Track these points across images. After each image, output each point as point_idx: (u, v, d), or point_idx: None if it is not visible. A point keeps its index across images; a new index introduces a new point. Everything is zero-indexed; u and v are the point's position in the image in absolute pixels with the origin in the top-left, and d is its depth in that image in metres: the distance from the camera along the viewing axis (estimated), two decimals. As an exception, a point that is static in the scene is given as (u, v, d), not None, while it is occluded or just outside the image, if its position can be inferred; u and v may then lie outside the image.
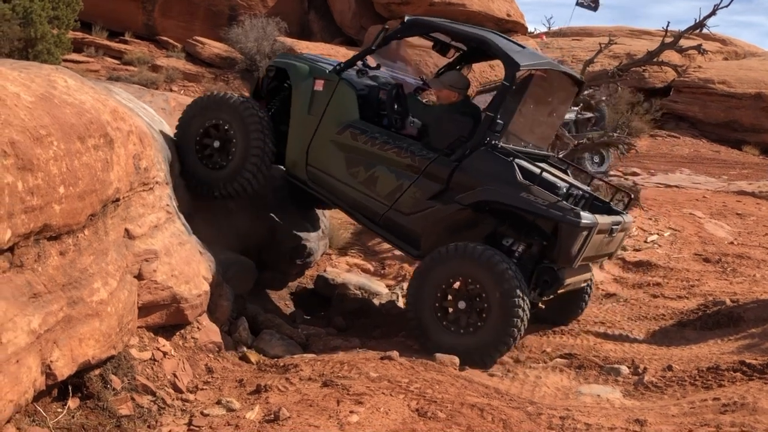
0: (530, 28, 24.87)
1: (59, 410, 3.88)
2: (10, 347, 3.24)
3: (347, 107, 6.69)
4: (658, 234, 11.18)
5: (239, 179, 6.73)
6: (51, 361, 3.63)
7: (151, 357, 4.75)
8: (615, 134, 13.25)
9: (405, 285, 7.67)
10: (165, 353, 4.87)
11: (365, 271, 9.07)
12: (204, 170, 6.81)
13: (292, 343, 6.12)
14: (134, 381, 4.44)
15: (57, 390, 3.93)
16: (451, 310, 6.05)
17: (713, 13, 13.48)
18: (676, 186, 16.10)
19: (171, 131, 6.95)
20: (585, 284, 7.15)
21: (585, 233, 5.96)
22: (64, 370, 3.74)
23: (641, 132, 22.38)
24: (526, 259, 6.23)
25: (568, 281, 6.36)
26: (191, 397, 4.69)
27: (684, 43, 14.27)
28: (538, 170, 6.28)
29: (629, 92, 21.23)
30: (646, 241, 10.85)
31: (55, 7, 11.81)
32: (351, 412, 4.21)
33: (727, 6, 13.24)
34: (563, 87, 7.21)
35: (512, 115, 6.46)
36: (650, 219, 11.91)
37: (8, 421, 3.37)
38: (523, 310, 5.85)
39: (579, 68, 17.65)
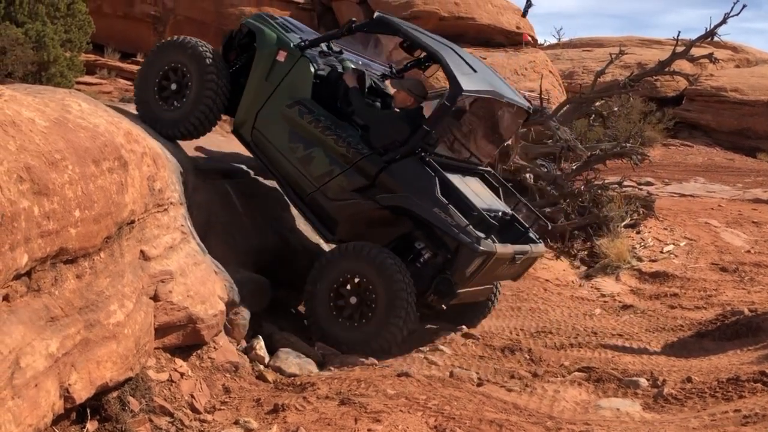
0: (540, 40, 24.83)
1: (78, 433, 3.89)
2: (28, 371, 3.25)
3: (302, 84, 6.91)
4: (674, 244, 11.13)
5: (188, 122, 6.95)
6: (69, 385, 3.64)
7: (168, 378, 4.76)
8: (628, 144, 13.20)
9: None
10: (182, 374, 4.87)
11: (380, 286, 9.02)
12: (160, 109, 7.03)
13: (309, 361, 6.10)
14: (152, 402, 4.44)
15: (75, 413, 3.93)
16: (343, 303, 6.45)
17: (724, 21, 13.47)
18: (691, 195, 16.03)
19: (184, 151, 7.02)
20: (486, 297, 7.46)
21: (480, 260, 6.30)
22: (82, 393, 3.74)
23: (654, 141, 22.31)
24: (430, 266, 6.57)
25: (463, 295, 6.65)
26: (209, 417, 4.68)
27: (695, 51, 14.25)
28: (463, 187, 6.61)
29: (641, 102, 21.17)
30: (662, 252, 10.80)
31: (67, 30, 11.91)
32: (369, 430, 4.19)
33: (737, 14, 13.24)
34: (510, 113, 7.45)
35: (450, 131, 6.86)
36: (666, 229, 11.86)
37: (27, 446, 3.38)
38: (407, 313, 6.26)
39: (590, 79, 17.68)
